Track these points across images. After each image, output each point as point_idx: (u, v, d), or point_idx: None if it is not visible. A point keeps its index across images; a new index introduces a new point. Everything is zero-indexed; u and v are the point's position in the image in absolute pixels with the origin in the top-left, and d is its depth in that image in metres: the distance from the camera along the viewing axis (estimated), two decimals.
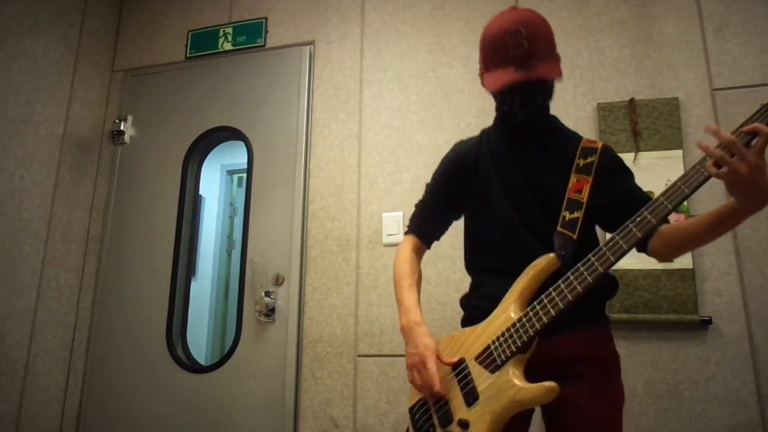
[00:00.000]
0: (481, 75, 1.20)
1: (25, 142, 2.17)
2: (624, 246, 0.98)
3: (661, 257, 1.09)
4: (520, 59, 1.09)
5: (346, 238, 2.17)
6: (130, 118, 2.54)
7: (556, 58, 1.16)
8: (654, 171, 1.85)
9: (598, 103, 1.98)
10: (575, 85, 2.04)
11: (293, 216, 2.22)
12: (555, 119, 1.25)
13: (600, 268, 0.99)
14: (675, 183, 0.95)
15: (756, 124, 0.88)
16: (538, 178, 1.16)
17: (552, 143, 1.20)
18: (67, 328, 2.34)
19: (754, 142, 0.88)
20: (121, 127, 2.51)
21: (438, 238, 1.33)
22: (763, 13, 1.91)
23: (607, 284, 1.15)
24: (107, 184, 2.52)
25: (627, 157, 1.88)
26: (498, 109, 1.24)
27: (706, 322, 1.73)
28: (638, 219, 0.97)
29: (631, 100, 1.94)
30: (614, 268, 1.83)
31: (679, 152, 1.85)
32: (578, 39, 2.08)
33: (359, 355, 2.05)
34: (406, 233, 1.33)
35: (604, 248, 1.00)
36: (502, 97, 1.17)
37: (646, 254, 1.09)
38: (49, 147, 2.29)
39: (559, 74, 1.13)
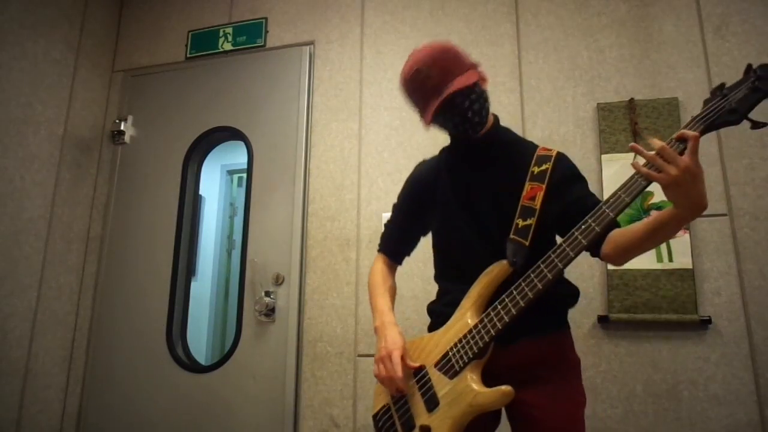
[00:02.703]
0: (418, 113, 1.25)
1: (25, 142, 2.18)
2: (571, 253, 1.00)
3: (613, 261, 1.11)
4: (432, 90, 1.12)
5: (346, 238, 2.17)
6: (130, 118, 2.54)
7: (468, 68, 1.16)
8: None
9: (598, 103, 1.98)
10: (575, 85, 2.04)
11: (293, 216, 2.22)
12: (507, 131, 1.28)
13: (549, 275, 1.01)
14: (616, 192, 0.98)
15: (683, 131, 0.92)
16: (494, 190, 1.19)
17: (506, 154, 1.22)
18: (67, 328, 2.34)
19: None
20: (121, 127, 2.51)
21: (408, 254, 1.40)
22: (762, 13, 1.91)
23: (568, 293, 1.19)
24: (107, 184, 2.52)
25: (627, 158, 1.89)
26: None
27: (705, 322, 1.73)
28: (583, 227, 1.00)
29: (631, 100, 1.94)
30: (614, 267, 1.84)
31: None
32: (578, 39, 2.08)
33: (359, 355, 2.06)
34: (378, 251, 1.40)
35: (552, 255, 1.02)
36: (442, 126, 1.21)
37: (600, 259, 1.11)
38: (49, 147, 2.29)
39: (475, 78, 1.14)
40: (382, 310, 1.25)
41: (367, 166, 2.22)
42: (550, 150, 1.20)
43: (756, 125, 0.92)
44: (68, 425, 2.27)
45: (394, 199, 2.13)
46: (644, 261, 1.80)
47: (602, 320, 1.81)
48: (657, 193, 1.83)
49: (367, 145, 2.24)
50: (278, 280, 2.17)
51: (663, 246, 1.80)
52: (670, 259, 1.79)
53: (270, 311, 2.15)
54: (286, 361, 2.09)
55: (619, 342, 1.80)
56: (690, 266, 1.77)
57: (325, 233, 2.20)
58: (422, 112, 1.17)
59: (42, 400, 2.19)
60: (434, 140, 2.15)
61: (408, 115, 2.22)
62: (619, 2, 2.07)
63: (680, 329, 1.76)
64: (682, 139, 0.92)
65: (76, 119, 2.43)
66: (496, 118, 1.25)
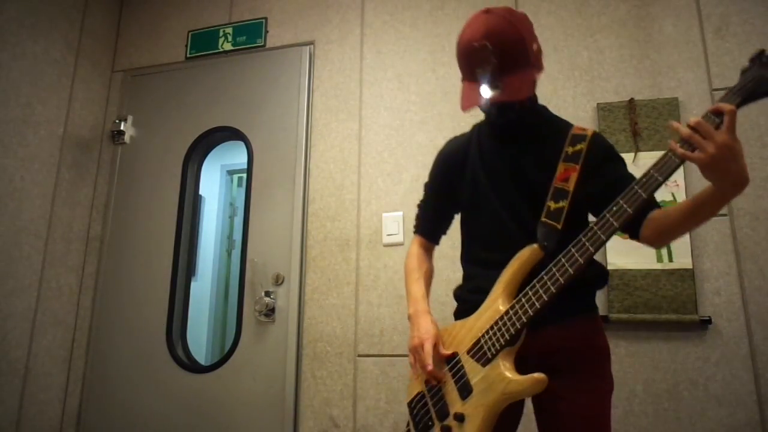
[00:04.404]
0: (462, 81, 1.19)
1: (25, 142, 2.18)
2: (602, 236, 0.97)
3: (653, 244, 1.07)
4: (487, 76, 1.07)
5: (346, 238, 2.17)
6: (130, 118, 2.54)
7: (530, 65, 1.10)
8: None
9: (598, 103, 1.98)
10: (575, 85, 2.04)
11: (293, 216, 2.22)
12: (543, 109, 1.23)
13: (580, 259, 0.99)
14: (649, 171, 0.94)
15: (719, 104, 0.87)
16: (526, 171, 1.15)
17: (541, 134, 1.18)
18: (67, 328, 2.34)
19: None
20: (121, 127, 2.51)
21: (444, 233, 1.36)
22: (762, 13, 1.91)
23: (596, 274, 1.15)
24: (107, 184, 2.52)
25: (626, 158, 1.88)
26: None
27: (705, 322, 1.73)
28: (614, 209, 0.97)
29: (631, 100, 1.94)
30: (614, 267, 1.84)
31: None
32: (578, 39, 2.08)
33: (359, 355, 2.06)
34: (414, 233, 1.37)
35: (584, 239, 0.99)
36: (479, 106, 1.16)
37: (639, 241, 1.07)
38: (49, 147, 2.29)
39: (528, 89, 1.11)
40: (415, 297, 1.22)
41: (367, 166, 2.22)
42: (586, 129, 1.16)
43: None
44: (68, 425, 2.27)
45: (394, 199, 2.14)
46: (644, 261, 1.80)
47: (602, 320, 1.81)
48: None
49: (367, 145, 2.24)
50: (278, 280, 2.17)
51: None
52: (670, 259, 1.79)
53: (270, 311, 2.15)
54: (286, 361, 2.09)
55: (619, 342, 1.80)
56: (690, 266, 1.77)
57: (325, 233, 2.20)
58: (466, 87, 1.12)
59: (42, 401, 2.18)
60: (434, 141, 2.15)
61: (408, 115, 2.22)
62: (619, 2, 2.07)
63: (680, 329, 1.76)
64: (718, 113, 0.86)
65: (76, 119, 2.43)
66: (534, 96, 1.20)
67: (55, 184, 2.30)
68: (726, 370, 1.70)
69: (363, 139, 2.25)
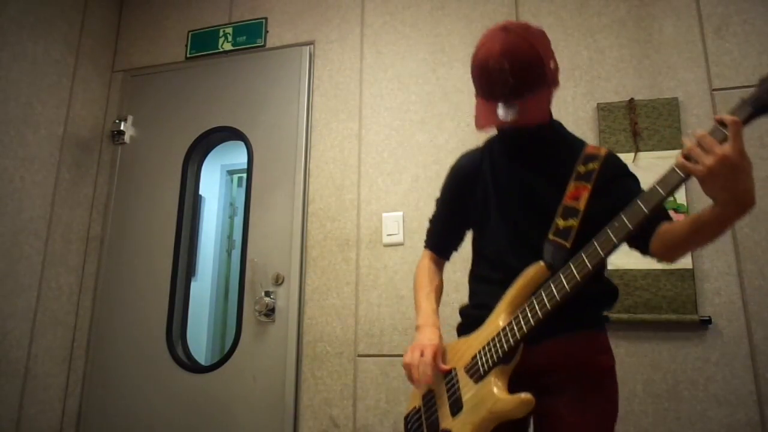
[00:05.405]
0: (476, 96, 1.16)
1: (25, 142, 2.18)
2: (601, 253, 0.94)
3: (661, 258, 1.03)
4: (504, 96, 1.04)
5: (346, 238, 2.17)
6: (130, 118, 2.54)
7: (546, 85, 1.09)
8: (653, 171, 1.82)
9: (598, 103, 1.98)
10: (575, 85, 2.04)
11: (293, 216, 2.22)
12: (558, 126, 1.21)
13: (577, 277, 0.96)
14: (652, 186, 0.91)
15: (723, 115, 0.84)
16: (536, 190, 1.13)
17: (554, 153, 1.16)
18: (67, 328, 2.34)
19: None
20: (121, 127, 2.51)
21: (455, 249, 1.34)
22: (762, 14, 1.91)
23: (603, 292, 1.11)
24: (107, 184, 2.52)
25: (626, 158, 1.88)
26: None
27: (705, 322, 1.73)
28: (616, 224, 0.94)
29: (631, 101, 1.94)
30: (614, 267, 1.84)
31: (678, 152, 1.84)
32: (578, 39, 2.08)
33: (359, 355, 2.06)
34: (424, 247, 1.36)
35: (583, 255, 0.96)
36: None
37: (649, 256, 1.04)
38: (49, 147, 2.29)
39: (545, 112, 1.10)
40: (426, 311, 1.21)
41: (367, 166, 2.22)
42: (599, 148, 1.13)
43: None
44: (68, 425, 2.27)
45: (394, 199, 2.14)
46: (644, 261, 1.78)
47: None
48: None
49: (367, 145, 2.24)
50: (278, 280, 2.17)
51: None
52: None
53: (270, 311, 2.15)
54: (286, 361, 2.09)
55: (619, 342, 1.80)
56: (690, 266, 1.77)
57: (325, 233, 2.20)
58: (481, 105, 1.09)
59: (42, 401, 2.18)
60: (434, 141, 2.15)
61: (408, 115, 2.22)
62: (619, 2, 2.07)
63: (680, 329, 1.76)
64: (724, 125, 0.83)
65: (76, 119, 2.43)
66: (549, 113, 1.18)
67: (55, 184, 2.30)
68: (726, 370, 1.70)
69: (363, 139, 2.25)
